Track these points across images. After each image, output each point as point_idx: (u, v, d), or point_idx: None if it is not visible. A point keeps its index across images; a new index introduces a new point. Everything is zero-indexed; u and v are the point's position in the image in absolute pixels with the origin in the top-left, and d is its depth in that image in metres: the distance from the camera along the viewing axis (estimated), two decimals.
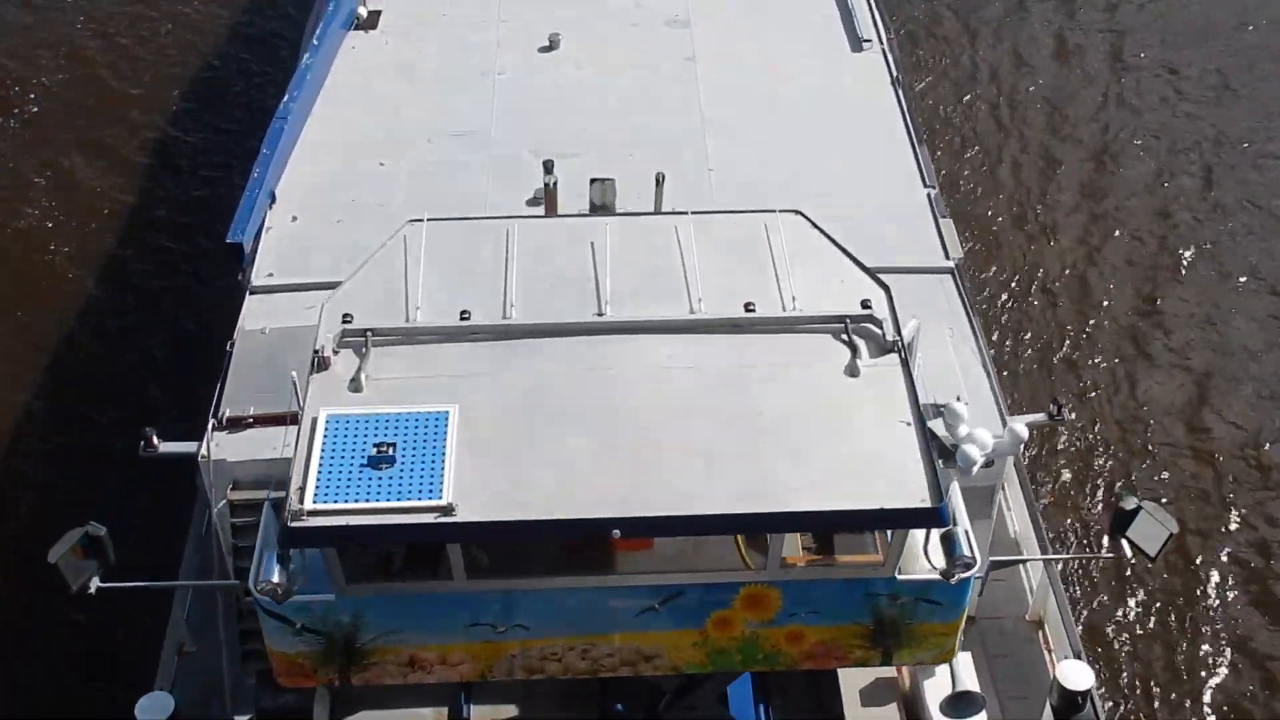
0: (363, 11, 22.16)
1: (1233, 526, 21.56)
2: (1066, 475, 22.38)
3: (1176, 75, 31.28)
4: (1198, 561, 20.97)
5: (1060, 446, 22.68)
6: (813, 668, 13.65)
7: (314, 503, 11.77)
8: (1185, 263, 26.34)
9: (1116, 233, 26.99)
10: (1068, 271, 26.20)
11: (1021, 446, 14.86)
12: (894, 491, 11.96)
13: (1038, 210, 27.60)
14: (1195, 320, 25.15)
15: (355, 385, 12.89)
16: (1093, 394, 23.76)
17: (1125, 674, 19.67)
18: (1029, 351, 24.59)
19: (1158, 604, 20.54)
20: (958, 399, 14.26)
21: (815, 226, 14.37)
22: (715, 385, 12.86)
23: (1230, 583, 20.82)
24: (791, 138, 19.49)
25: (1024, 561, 16.48)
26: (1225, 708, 19.42)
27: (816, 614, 12.98)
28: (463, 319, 13.41)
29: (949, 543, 12.25)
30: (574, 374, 12.98)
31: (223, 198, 24.50)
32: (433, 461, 12.08)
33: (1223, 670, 19.79)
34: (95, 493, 21.28)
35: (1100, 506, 21.91)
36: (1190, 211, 27.54)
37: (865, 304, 13.52)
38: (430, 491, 11.85)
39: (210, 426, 14.89)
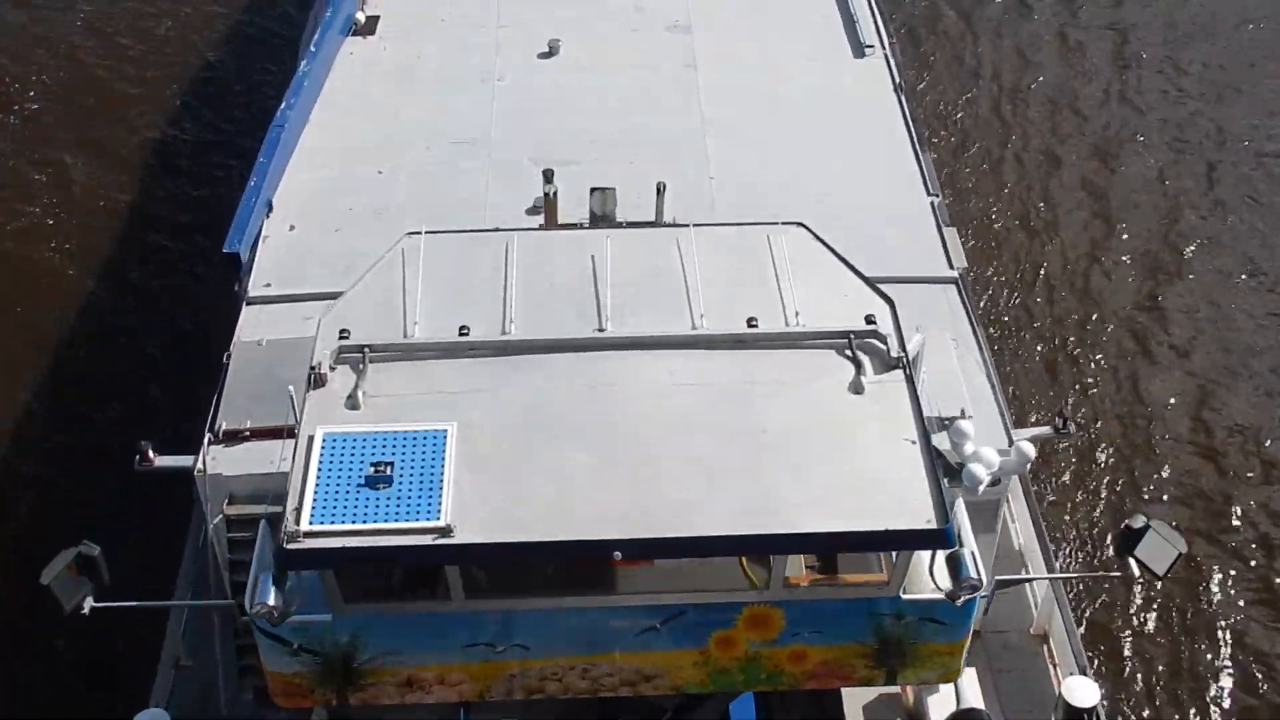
0: (361, 16, 21.95)
1: (1236, 525, 21.46)
2: (1068, 474, 22.26)
3: (1178, 73, 31.18)
4: (1203, 566, 20.82)
5: (1062, 445, 22.51)
6: (816, 688, 13.53)
7: (310, 524, 11.67)
8: (1187, 260, 26.24)
9: (1118, 230, 26.89)
10: (1069, 268, 26.10)
11: (1028, 465, 14.71)
12: (899, 512, 11.84)
13: (1039, 207, 27.49)
14: (1197, 317, 25.05)
15: (352, 402, 12.79)
16: (1094, 390, 23.68)
17: (1130, 684, 19.51)
18: (1030, 349, 24.48)
19: (1160, 607, 20.41)
20: (962, 413, 14.14)
21: (818, 239, 14.24)
22: (717, 402, 12.75)
23: (1236, 587, 20.66)
24: (793, 145, 19.30)
25: (1031, 580, 16.33)
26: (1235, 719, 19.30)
27: (820, 633, 12.88)
28: (461, 334, 13.30)
29: (955, 564, 12.14)
30: (574, 390, 12.86)
31: (222, 197, 24.43)
32: (431, 481, 11.98)
33: (1231, 678, 19.62)
34: (95, 492, 21.24)
35: (1101, 505, 21.82)
36: (1193, 209, 27.44)
37: (869, 319, 13.40)
38: (428, 512, 11.75)
39: (206, 440, 14.73)
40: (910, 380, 12.96)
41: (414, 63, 21.19)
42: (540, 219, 17.30)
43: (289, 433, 13.17)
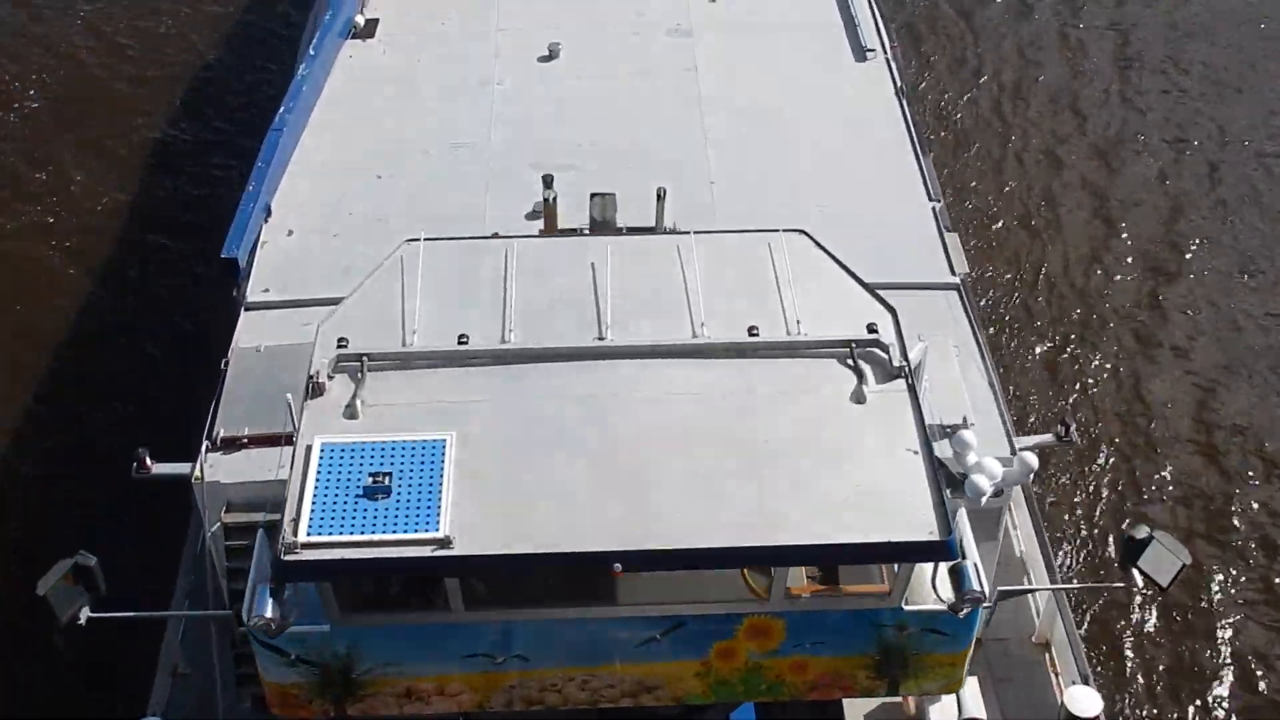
0: (360, 20, 21.77)
1: (1237, 525, 21.41)
2: (1068, 475, 22.23)
3: (1179, 72, 31.14)
4: (1204, 567, 20.76)
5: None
6: (818, 699, 13.46)
7: (308, 535, 11.60)
8: (1187, 260, 26.21)
9: (1119, 230, 26.86)
10: (1069, 268, 26.07)
11: (1031, 476, 14.63)
12: (901, 523, 11.77)
13: (1040, 206, 27.47)
14: (1197, 317, 25.02)
15: (351, 411, 12.71)
16: (1094, 390, 23.65)
17: (1131, 687, 19.46)
18: (1030, 348, 24.46)
19: (1161, 610, 20.30)
20: (964, 422, 14.06)
21: (819, 246, 14.15)
22: (718, 412, 12.68)
23: (1237, 587, 20.62)
24: (793, 149, 19.16)
25: (1034, 591, 16.25)
26: None
27: (821, 644, 12.80)
28: (460, 343, 13.22)
29: (958, 576, 12.05)
30: (574, 400, 12.78)
31: (221, 197, 24.39)
32: (429, 492, 11.91)
33: (1232, 681, 19.57)
34: (95, 493, 21.20)
35: (1102, 505, 21.77)
36: (1193, 209, 27.41)
37: (871, 328, 13.32)
38: (427, 524, 11.68)
39: (204, 447, 14.64)
40: (912, 390, 12.88)
41: (413, 67, 21.01)
42: (540, 224, 17.24)
43: (287, 440, 13.06)
